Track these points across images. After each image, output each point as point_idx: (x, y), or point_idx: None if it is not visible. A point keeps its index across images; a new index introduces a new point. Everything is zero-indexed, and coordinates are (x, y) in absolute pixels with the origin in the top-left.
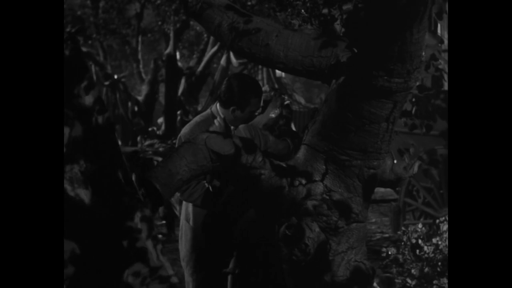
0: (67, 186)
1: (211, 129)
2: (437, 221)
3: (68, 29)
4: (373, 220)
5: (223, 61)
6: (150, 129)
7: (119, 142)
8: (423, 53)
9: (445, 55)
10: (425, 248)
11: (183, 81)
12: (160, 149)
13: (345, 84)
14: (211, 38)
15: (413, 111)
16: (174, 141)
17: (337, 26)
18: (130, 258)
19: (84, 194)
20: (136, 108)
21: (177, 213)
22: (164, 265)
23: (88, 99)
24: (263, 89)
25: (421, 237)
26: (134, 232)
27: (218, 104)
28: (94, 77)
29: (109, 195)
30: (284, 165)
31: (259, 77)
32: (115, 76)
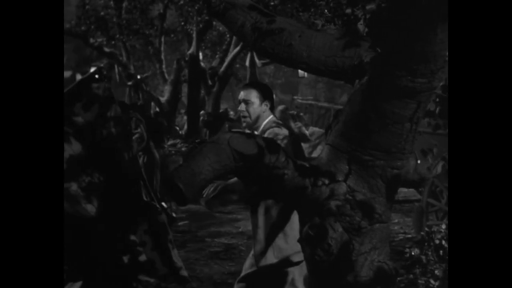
0: (65, 204)
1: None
2: None
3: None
4: (396, 220)
5: (247, 62)
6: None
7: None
8: (447, 53)
9: None
10: None
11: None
12: (183, 149)
13: (369, 84)
14: (234, 38)
15: (437, 111)
16: (196, 141)
17: (361, 26)
18: (134, 272)
19: (88, 210)
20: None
21: None
22: (183, 267)
23: (87, 116)
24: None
25: (445, 237)
26: (137, 245)
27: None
28: (117, 78)
29: (113, 208)
30: (307, 165)
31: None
32: (138, 76)
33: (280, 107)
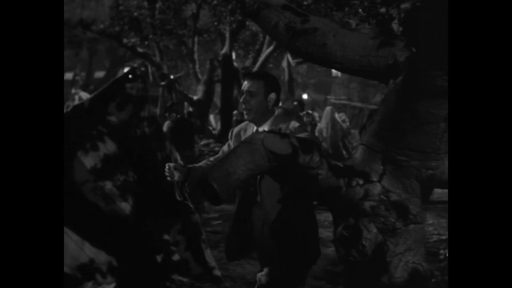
0: (99, 203)
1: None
2: None
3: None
4: (430, 221)
5: (284, 63)
6: None
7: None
8: None
9: None
10: None
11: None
12: (216, 148)
13: (403, 84)
14: (267, 38)
15: None
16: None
17: (395, 25)
18: (167, 271)
19: (123, 208)
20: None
21: None
22: (216, 267)
23: (121, 116)
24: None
25: None
26: (170, 245)
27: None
28: (150, 78)
29: (146, 208)
30: (341, 165)
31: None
32: (171, 76)
33: (328, 108)
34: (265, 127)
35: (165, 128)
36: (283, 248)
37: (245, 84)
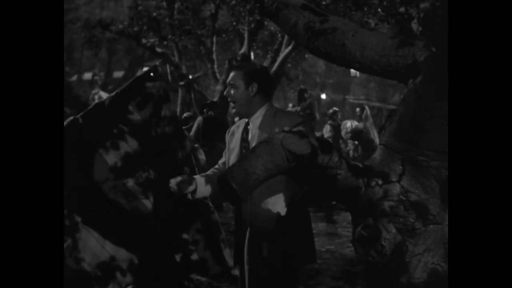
0: (121, 200)
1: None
2: None
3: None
4: None
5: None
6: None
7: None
8: None
9: None
10: None
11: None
12: None
13: (423, 84)
14: (285, 38)
15: None
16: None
17: (414, 25)
18: (186, 270)
19: (146, 204)
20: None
21: None
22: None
23: (142, 115)
24: None
25: None
26: (189, 244)
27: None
28: (169, 78)
29: (166, 207)
30: (360, 165)
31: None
32: (190, 76)
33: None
34: (257, 119)
35: (196, 124)
36: (273, 241)
37: (229, 77)
